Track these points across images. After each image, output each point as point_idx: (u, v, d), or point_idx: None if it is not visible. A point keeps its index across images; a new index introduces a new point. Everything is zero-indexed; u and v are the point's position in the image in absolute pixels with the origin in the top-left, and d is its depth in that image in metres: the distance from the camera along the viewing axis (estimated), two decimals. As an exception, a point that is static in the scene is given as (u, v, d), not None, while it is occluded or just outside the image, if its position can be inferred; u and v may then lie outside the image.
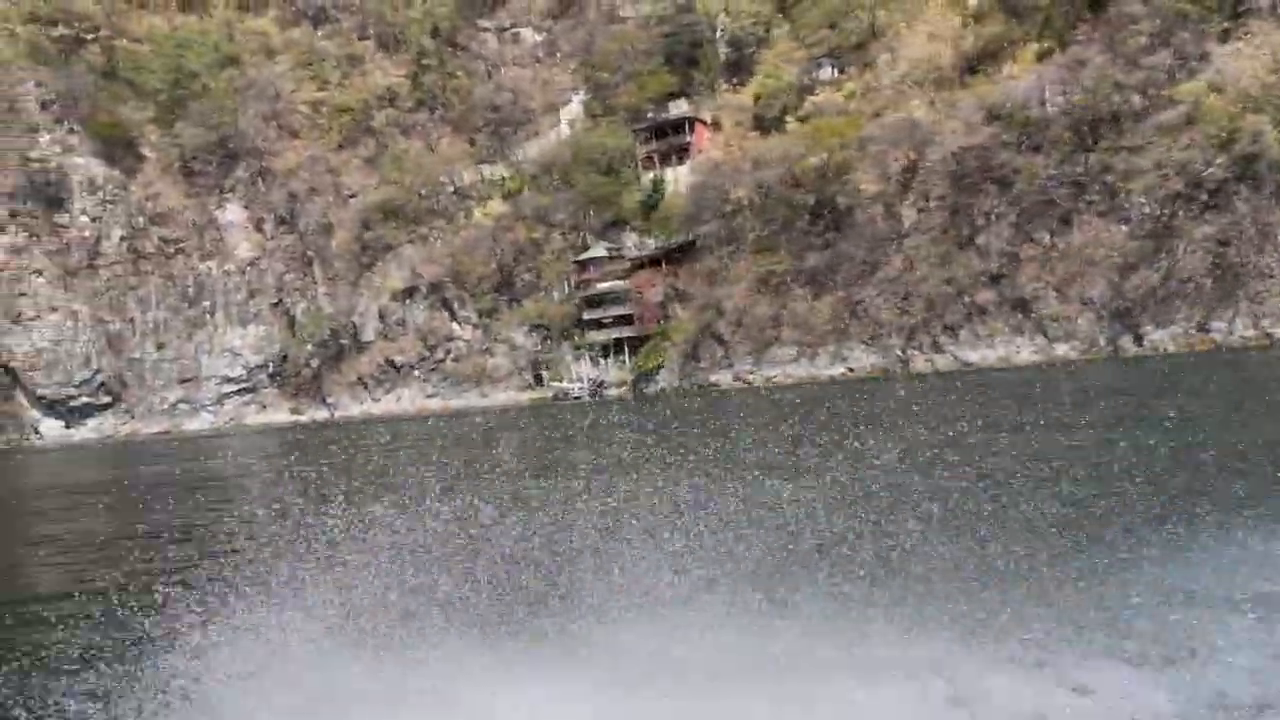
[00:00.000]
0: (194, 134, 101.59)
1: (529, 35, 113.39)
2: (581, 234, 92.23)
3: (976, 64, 66.80)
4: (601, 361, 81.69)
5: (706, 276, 72.90)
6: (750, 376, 67.18)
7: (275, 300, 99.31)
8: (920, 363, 58.92)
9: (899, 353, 60.51)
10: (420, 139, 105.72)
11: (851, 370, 61.75)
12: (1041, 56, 62.66)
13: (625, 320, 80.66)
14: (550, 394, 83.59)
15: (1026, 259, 57.28)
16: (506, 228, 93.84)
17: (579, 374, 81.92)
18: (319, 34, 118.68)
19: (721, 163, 75.09)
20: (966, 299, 58.21)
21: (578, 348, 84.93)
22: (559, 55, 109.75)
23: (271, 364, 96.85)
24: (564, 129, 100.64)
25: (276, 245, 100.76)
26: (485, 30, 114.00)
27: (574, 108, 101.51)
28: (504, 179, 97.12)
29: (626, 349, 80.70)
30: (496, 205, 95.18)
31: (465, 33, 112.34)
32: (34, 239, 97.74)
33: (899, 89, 69.26)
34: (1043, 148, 58.18)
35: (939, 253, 60.32)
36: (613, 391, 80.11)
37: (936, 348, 58.70)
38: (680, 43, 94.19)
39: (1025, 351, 55.61)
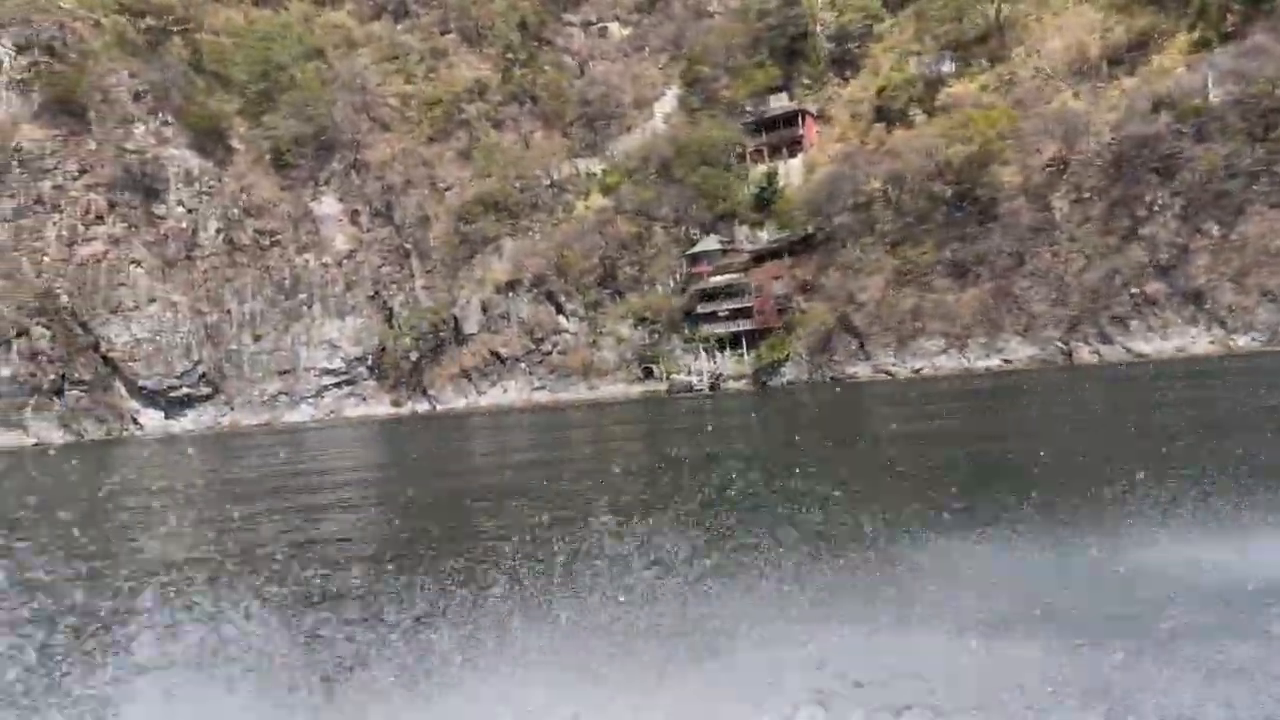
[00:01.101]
0: (288, 126, 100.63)
1: (615, 29, 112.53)
2: (685, 228, 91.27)
3: (1124, 55, 65.78)
4: (718, 355, 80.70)
5: (838, 268, 71.85)
6: (893, 369, 66.15)
7: (372, 293, 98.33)
8: (1085, 354, 57.87)
9: (1059, 344, 59.46)
10: (512, 133, 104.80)
11: (1008, 362, 60.71)
12: (1197, 47, 61.66)
13: (743, 313, 79.60)
14: (664, 387, 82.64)
15: (1197, 249, 56.20)
16: (606, 221, 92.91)
17: (697, 367, 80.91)
18: (398, 28, 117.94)
19: (852, 154, 74.05)
20: (1134, 290, 57.18)
21: (689, 341, 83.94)
22: (647, 50, 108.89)
23: (370, 357, 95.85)
24: (658, 123, 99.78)
25: (373, 238, 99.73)
26: (571, 25, 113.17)
27: (668, 102, 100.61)
28: (602, 173, 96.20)
29: (745, 342, 79.72)
30: (597, 199, 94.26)
31: (551, 27, 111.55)
32: (132, 230, 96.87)
33: (1042, 81, 68.21)
34: (1209, 138, 57.15)
35: (1101, 244, 59.30)
36: (731, 385, 79.15)
37: (1104, 339, 57.63)
38: (783, 36, 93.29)
39: (1202, 343, 54.58)
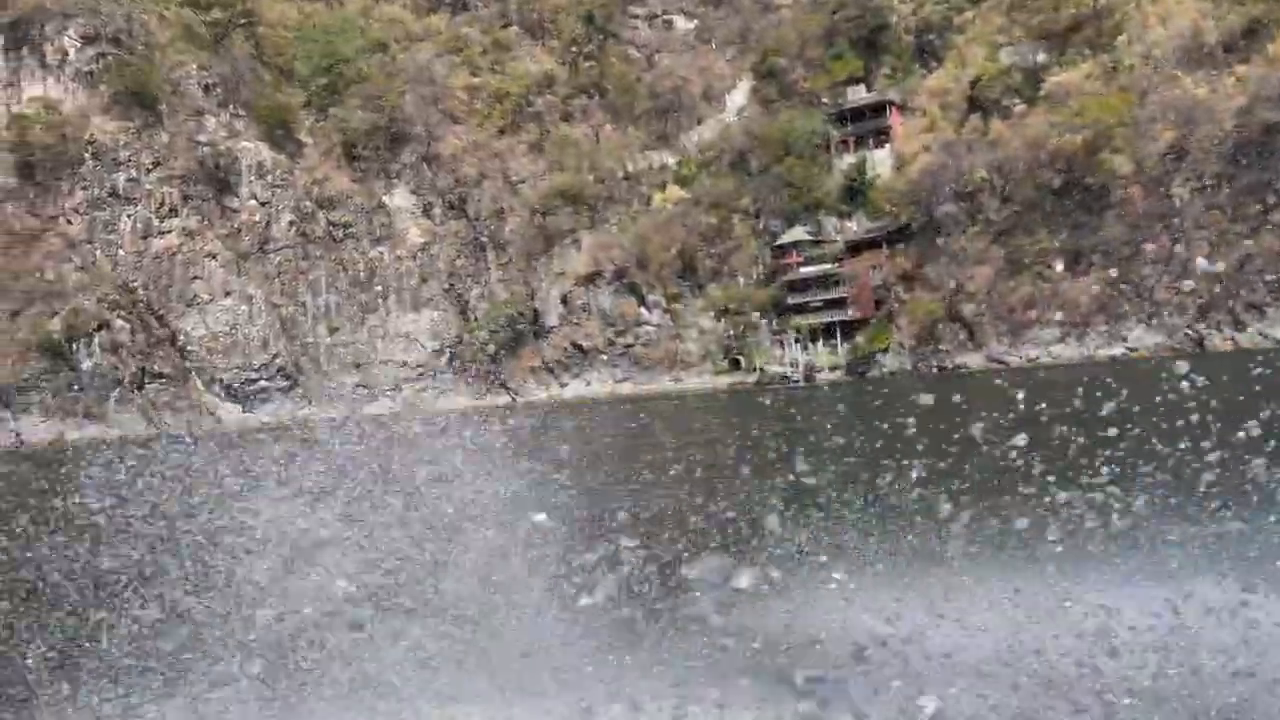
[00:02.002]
0: (361, 119, 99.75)
1: (681, 22, 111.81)
2: (765, 219, 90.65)
3: (1238, 43, 65.21)
4: (809, 345, 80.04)
5: (942, 258, 71.22)
6: (1007, 358, 65.57)
7: (447, 286, 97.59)
8: (1218, 341, 57.33)
9: (1188, 331, 58.94)
10: (582, 126, 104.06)
11: (1133, 350, 60.14)
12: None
13: (837, 304, 78.91)
14: (754, 378, 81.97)
15: (1333, 236, 55.78)
16: (685, 213, 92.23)
17: (789, 358, 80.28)
18: (455, 21, 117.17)
19: (953, 144, 73.39)
20: (1269, 276, 56.68)
21: (778, 332, 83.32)
22: (714, 43, 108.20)
23: (448, 350, 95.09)
24: (729, 115, 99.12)
25: (446, 231, 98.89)
26: (635, 18, 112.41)
27: (739, 94, 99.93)
28: (677, 165, 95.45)
29: (838, 332, 79.10)
30: (674, 191, 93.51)
31: (616, 20, 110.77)
32: (206, 223, 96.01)
33: (1153, 69, 67.59)
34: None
35: (1229, 231, 58.79)
36: (825, 375, 78.50)
37: (1238, 325, 57.12)
38: (862, 28, 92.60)
39: (1344, 328, 54.17)
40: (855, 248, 78.52)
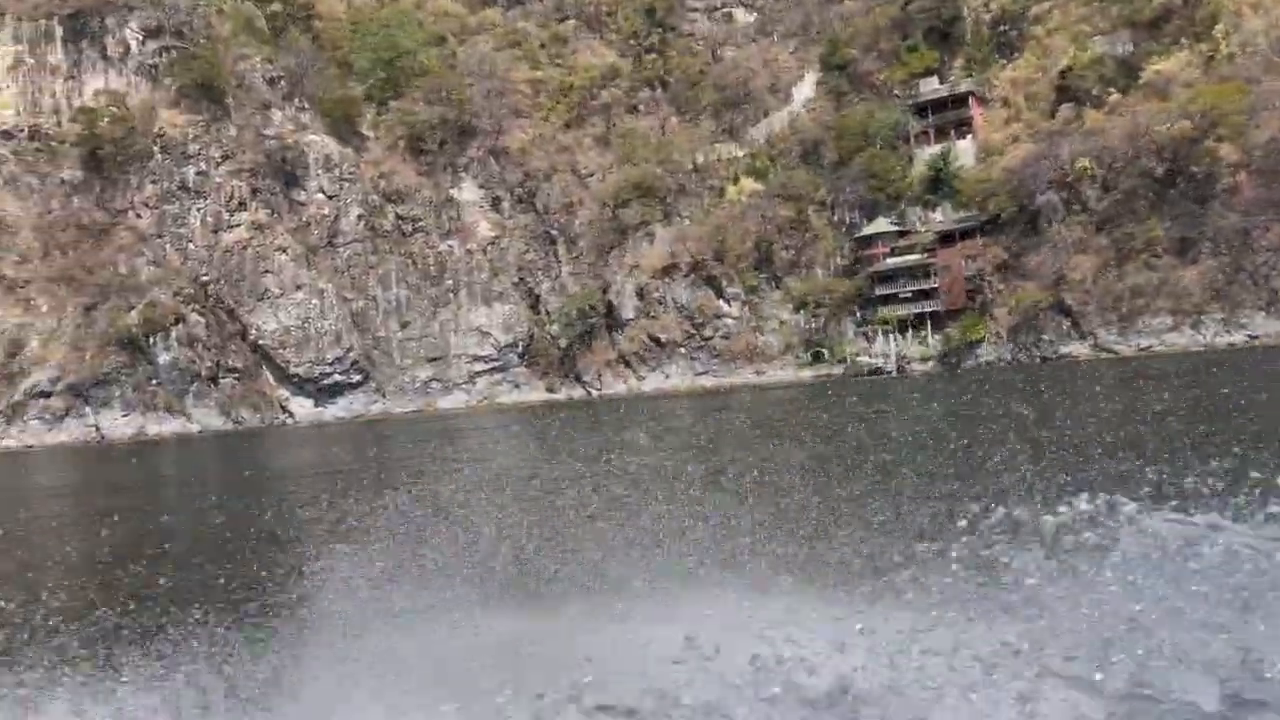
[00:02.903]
0: (428, 112, 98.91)
1: (741, 15, 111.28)
2: (841, 210, 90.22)
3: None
4: (897, 337, 79.59)
5: (1043, 248, 70.85)
6: (1117, 346, 65.22)
7: (517, 280, 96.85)
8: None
9: (1311, 319, 58.74)
10: (647, 119, 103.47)
11: (1253, 338, 59.87)
12: None
13: (927, 294, 78.48)
14: (840, 370, 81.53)
15: None
16: (758, 205, 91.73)
17: (878, 349, 79.81)
18: (509, 15, 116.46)
19: (1054, 133, 73.00)
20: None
21: (863, 324, 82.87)
22: (775, 36, 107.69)
23: (520, 343, 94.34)
24: (796, 107, 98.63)
25: (515, 224, 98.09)
26: (695, 10, 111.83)
27: (806, 86, 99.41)
28: (750, 157, 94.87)
29: (929, 324, 78.69)
30: (748, 183, 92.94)
31: (676, 13, 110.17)
32: (275, 216, 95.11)
33: (1255, 58, 67.34)
34: None
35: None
36: (917, 366, 78.10)
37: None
38: (936, 19, 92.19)
39: None
40: (945, 238, 78.03)
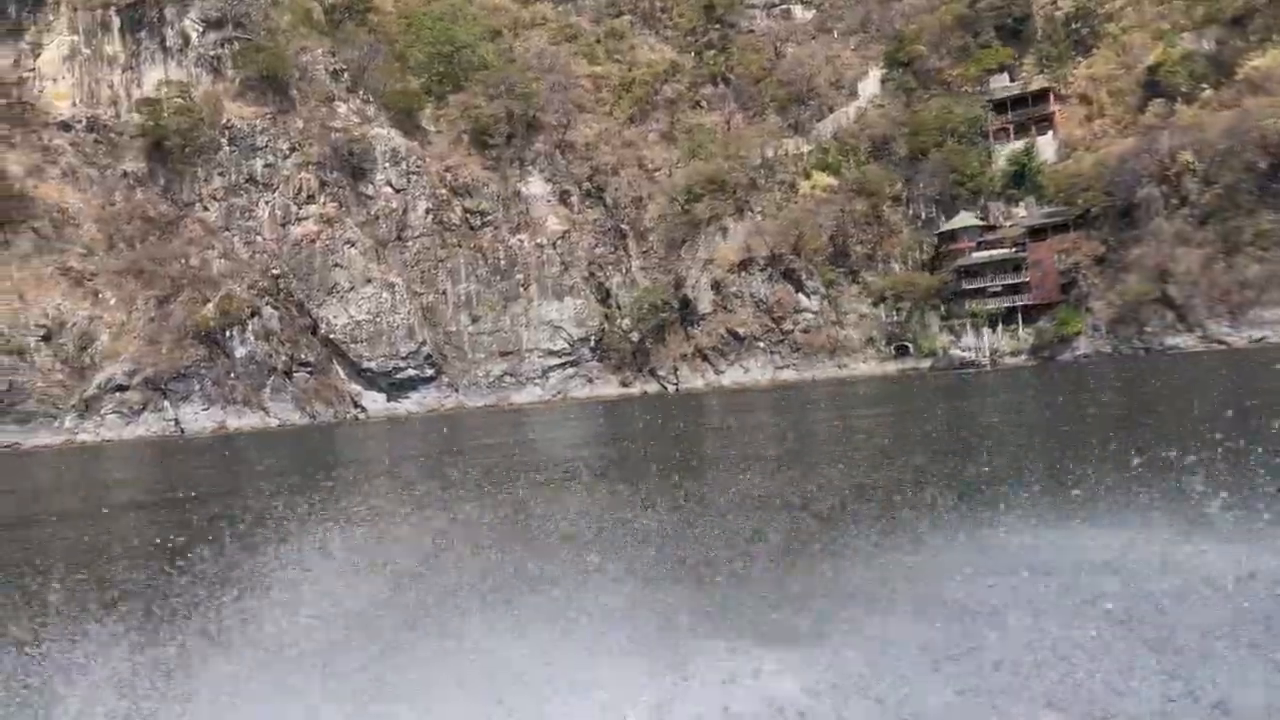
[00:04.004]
0: (495, 105, 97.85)
1: (799, 12, 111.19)
2: (915, 205, 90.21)
3: None
4: (986, 330, 79.56)
5: (1142, 241, 71.03)
6: (1228, 338, 65.48)
7: (587, 274, 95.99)
8: None
9: None
10: (710, 115, 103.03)
11: (1374, 328, 60.32)
12: None
13: (1017, 288, 78.56)
14: (926, 364, 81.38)
15: None
16: (828, 200, 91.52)
17: (966, 343, 79.71)
18: (559, 10, 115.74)
19: (1152, 129, 73.22)
20: None
21: (947, 318, 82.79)
22: (835, 32, 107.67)
23: (592, 337, 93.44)
24: (862, 103, 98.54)
25: (584, 219, 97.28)
26: (753, 7, 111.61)
27: (871, 83, 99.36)
28: (822, 151, 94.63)
29: (1019, 317, 78.71)
30: (821, 178, 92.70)
31: (735, 10, 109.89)
32: (344, 209, 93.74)
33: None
34: None
35: None
36: (1008, 360, 78.07)
37: None
38: (1006, 17, 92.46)
39: None
40: (1035, 232, 78.08)
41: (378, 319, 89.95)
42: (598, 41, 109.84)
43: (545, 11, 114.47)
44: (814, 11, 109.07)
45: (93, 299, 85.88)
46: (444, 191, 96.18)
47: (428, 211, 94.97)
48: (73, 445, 77.56)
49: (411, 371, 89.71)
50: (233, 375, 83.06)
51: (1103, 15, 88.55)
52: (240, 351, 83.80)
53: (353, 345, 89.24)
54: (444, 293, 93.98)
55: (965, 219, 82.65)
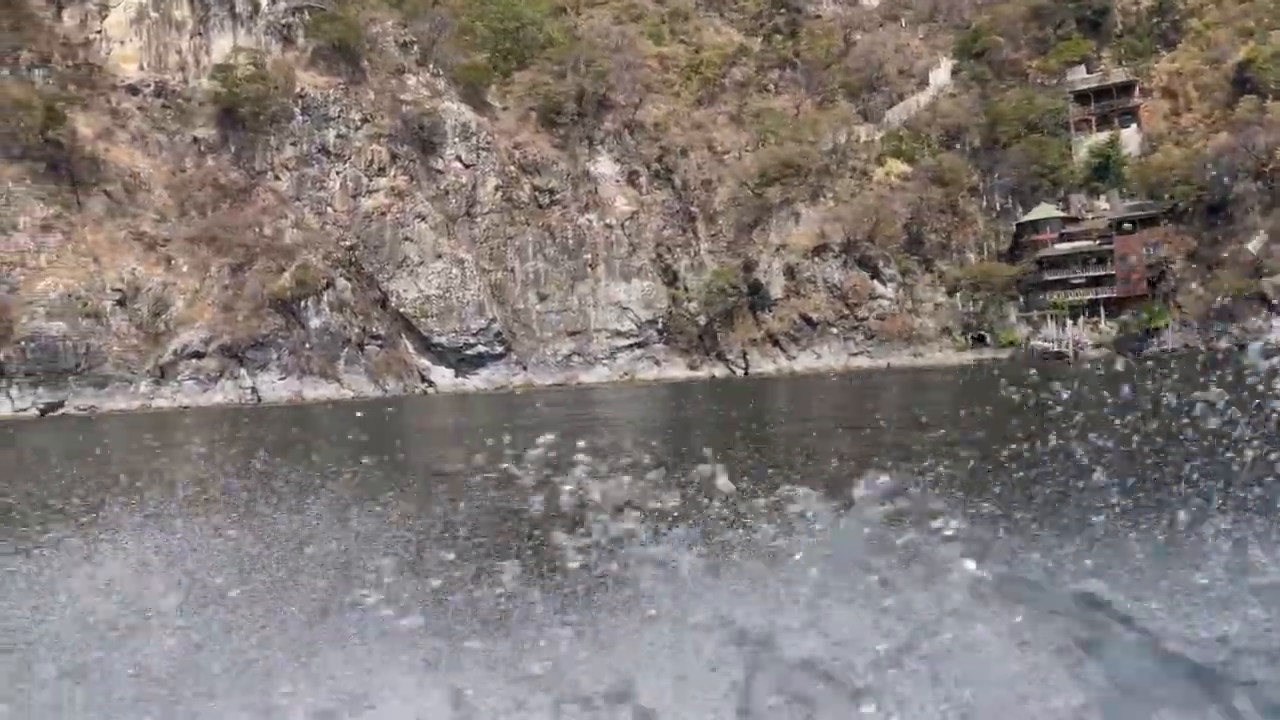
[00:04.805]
0: (563, 84, 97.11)
1: None
2: (991, 195, 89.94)
3: None
4: (1068, 322, 79.41)
5: (1238, 235, 70.98)
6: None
7: (654, 255, 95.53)
8: None
9: None
10: (779, 99, 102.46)
11: None
12: None
13: (1101, 281, 78.41)
14: (1006, 354, 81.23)
15: None
16: (903, 187, 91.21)
17: (1047, 334, 79.57)
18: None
19: (1249, 124, 72.99)
20: None
21: (1026, 308, 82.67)
22: (903, 20, 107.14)
23: (660, 319, 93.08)
24: (932, 92, 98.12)
25: (652, 200, 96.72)
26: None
27: (943, 72, 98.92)
28: (897, 139, 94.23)
29: (1102, 310, 78.59)
30: (896, 165, 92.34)
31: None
32: (414, 183, 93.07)
33: None
34: None
35: None
36: (1090, 352, 77.95)
37: None
38: (1088, 9, 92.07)
39: None
40: (1122, 225, 77.88)
41: (447, 294, 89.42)
42: (662, 21, 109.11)
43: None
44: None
45: (165, 265, 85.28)
46: (513, 169, 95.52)
47: (497, 188, 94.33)
48: (148, 410, 77.12)
49: (481, 348, 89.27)
50: (308, 345, 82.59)
51: (1184, 10, 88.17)
52: (315, 322, 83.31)
53: (423, 320, 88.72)
54: (512, 270, 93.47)
55: (1047, 210, 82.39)
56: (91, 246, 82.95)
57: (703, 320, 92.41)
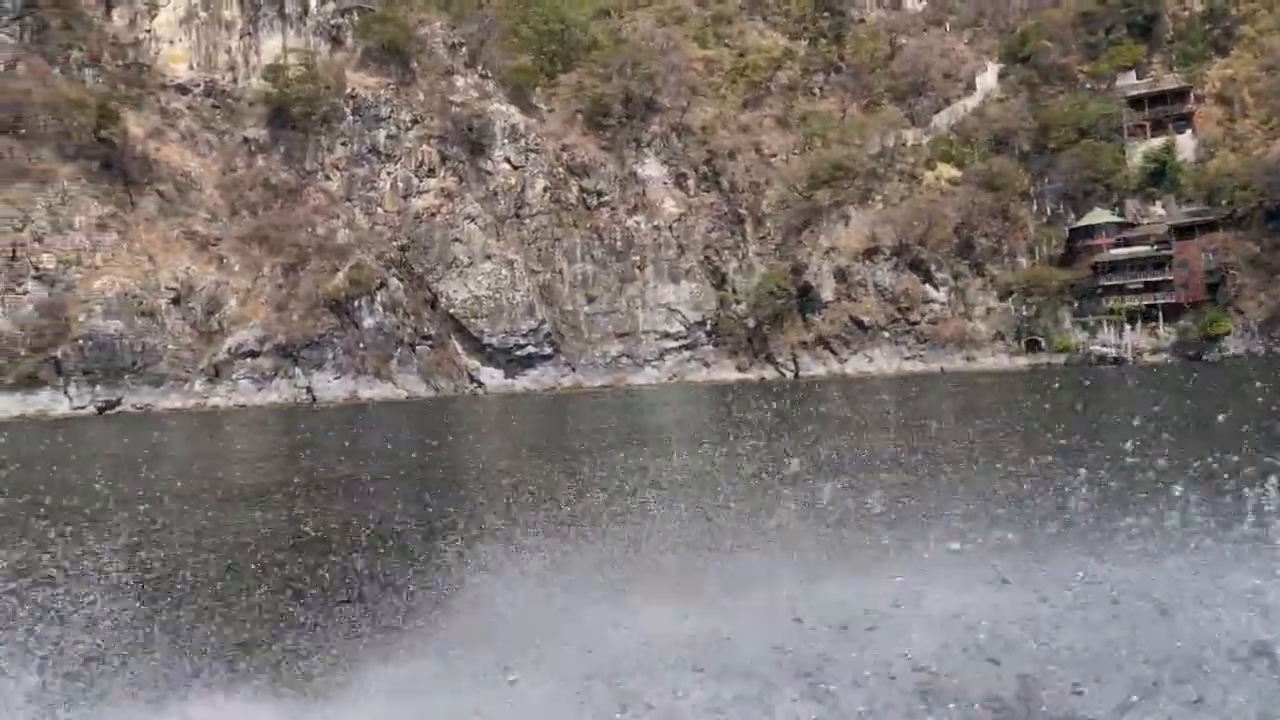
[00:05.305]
0: (610, 85, 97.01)
1: (910, 3, 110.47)
2: (1041, 200, 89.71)
3: None
4: (1126, 327, 79.12)
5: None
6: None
7: (702, 257, 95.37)
8: None
9: None
10: (825, 103, 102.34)
11: None
12: None
13: (1159, 286, 78.16)
14: (1062, 359, 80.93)
15: None
16: (952, 191, 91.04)
17: (1104, 339, 79.27)
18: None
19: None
20: None
21: (1080, 314, 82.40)
22: (947, 25, 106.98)
23: (709, 321, 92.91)
24: (979, 96, 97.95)
25: (700, 203, 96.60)
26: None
27: (990, 76, 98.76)
28: (947, 143, 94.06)
29: (1160, 315, 78.30)
30: (946, 169, 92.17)
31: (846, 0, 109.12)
32: (464, 184, 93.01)
33: None
34: None
35: None
36: (1147, 358, 77.67)
37: None
38: (1139, 15, 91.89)
39: None
40: (1181, 231, 77.63)
41: (497, 295, 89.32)
42: (705, 25, 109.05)
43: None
44: (924, 3, 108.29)
45: (218, 264, 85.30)
46: (561, 170, 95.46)
47: (545, 190, 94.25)
48: (203, 409, 77.06)
49: (531, 349, 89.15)
50: (362, 345, 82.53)
51: (1237, 17, 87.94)
52: (368, 322, 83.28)
53: (473, 320, 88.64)
54: (560, 272, 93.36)
55: (1102, 215, 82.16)
56: (146, 245, 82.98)
57: (751, 322, 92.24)
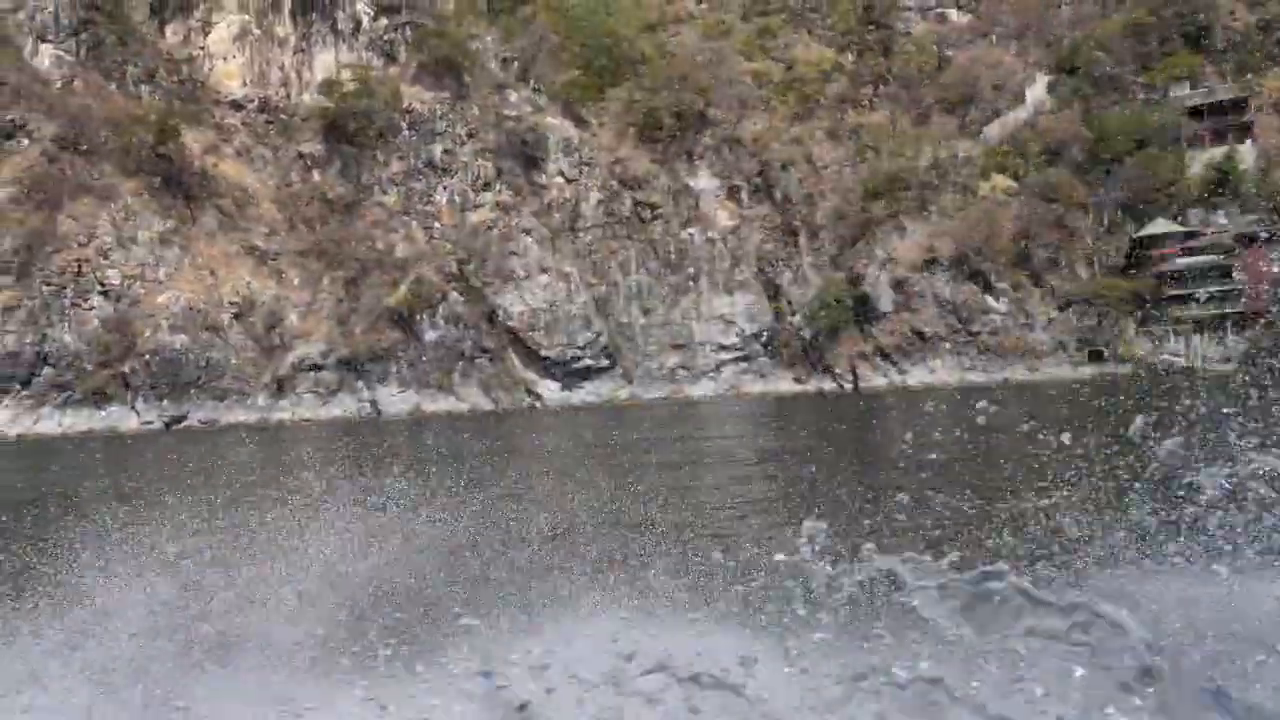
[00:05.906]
0: (662, 99, 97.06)
1: (955, 15, 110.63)
2: (1100, 210, 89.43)
3: None
4: (1194, 337, 78.75)
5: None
6: None
7: (757, 269, 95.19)
8: None
9: None
10: (875, 115, 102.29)
11: None
12: None
13: (1224, 296, 77.79)
14: (1126, 369, 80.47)
15: None
16: (1007, 202, 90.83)
17: (1172, 349, 78.88)
18: (703, 6, 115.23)
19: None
20: None
21: (1144, 323, 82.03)
22: (993, 37, 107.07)
23: (765, 332, 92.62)
24: (1031, 107, 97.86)
25: (753, 214, 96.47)
26: (908, 9, 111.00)
27: (1039, 87, 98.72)
28: (1001, 155, 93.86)
29: (1228, 325, 77.91)
30: (1002, 180, 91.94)
31: (892, 12, 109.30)
32: (519, 198, 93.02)
33: None
34: None
35: None
36: (1215, 367, 77.20)
37: None
38: (1192, 26, 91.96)
39: None
40: (1248, 240, 77.35)
41: (553, 308, 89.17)
42: (752, 39, 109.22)
43: (690, 7, 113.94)
44: (969, 16, 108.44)
45: (277, 278, 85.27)
46: (614, 183, 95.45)
47: (599, 203, 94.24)
48: (267, 424, 76.77)
49: (588, 361, 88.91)
50: (424, 359, 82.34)
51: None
52: (430, 335, 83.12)
53: (530, 333, 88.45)
54: (615, 284, 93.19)
55: (1164, 225, 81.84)
56: (207, 260, 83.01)
57: (807, 334, 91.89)
